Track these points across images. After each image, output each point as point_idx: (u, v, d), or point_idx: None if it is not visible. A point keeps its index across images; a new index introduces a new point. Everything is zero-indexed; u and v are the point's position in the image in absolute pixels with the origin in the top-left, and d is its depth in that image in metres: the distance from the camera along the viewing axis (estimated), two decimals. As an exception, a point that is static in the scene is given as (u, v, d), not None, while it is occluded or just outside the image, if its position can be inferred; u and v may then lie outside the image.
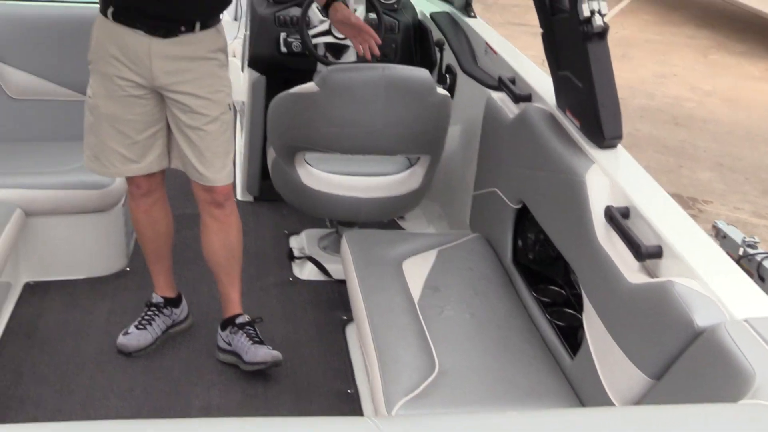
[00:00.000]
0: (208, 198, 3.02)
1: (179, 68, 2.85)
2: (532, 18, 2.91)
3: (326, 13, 3.21)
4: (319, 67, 4.05)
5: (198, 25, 2.84)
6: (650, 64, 9.25)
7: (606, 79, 2.59)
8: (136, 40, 2.80)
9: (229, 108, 2.98)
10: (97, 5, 2.97)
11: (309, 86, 3.17)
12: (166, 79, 2.84)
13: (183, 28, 2.81)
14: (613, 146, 2.65)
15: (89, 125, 2.96)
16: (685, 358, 1.86)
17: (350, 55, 4.01)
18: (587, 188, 2.46)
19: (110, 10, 2.80)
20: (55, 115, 3.85)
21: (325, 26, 3.91)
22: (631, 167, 2.57)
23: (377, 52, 3.13)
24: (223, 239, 3.11)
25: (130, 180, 3.08)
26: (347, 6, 3.21)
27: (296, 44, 4.03)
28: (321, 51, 4.00)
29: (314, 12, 3.99)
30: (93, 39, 2.88)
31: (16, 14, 3.80)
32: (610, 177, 2.48)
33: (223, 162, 2.97)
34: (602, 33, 2.58)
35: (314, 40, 3.92)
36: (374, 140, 3.21)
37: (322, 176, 3.44)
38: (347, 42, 3.93)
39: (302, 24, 3.89)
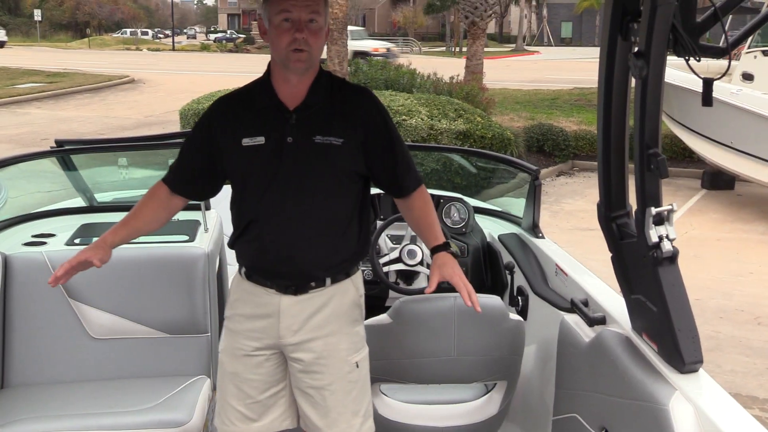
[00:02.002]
0: None
1: (306, 326, 2.82)
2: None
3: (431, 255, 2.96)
4: (392, 294, 4.10)
5: (328, 280, 2.83)
6: (724, 263, 9.14)
7: (680, 303, 2.57)
8: (268, 299, 2.82)
9: (357, 366, 2.88)
10: (169, 244, 3.10)
11: (382, 318, 3.20)
12: (291, 337, 2.82)
13: (313, 284, 2.81)
14: (694, 371, 2.59)
15: (219, 381, 2.97)
16: None
17: (421, 281, 4.07)
18: (671, 418, 2.38)
19: (243, 270, 2.88)
20: (134, 352, 3.93)
21: (395, 254, 4.00)
22: (716, 393, 2.49)
23: (478, 309, 2.81)
24: None
25: None
26: (455, 255, 2.94)
27: (367, 272, 4.11)
28: (392, 278, 4.07)
29: (384, 240, 4.10)
30: (231, 296, 2.95)
31: None
32: (695, 405, 2.40)
33: (348, 423, 2.84)
34: (672, 258, 2.58)
35: (385, 268, 4.00)
36: (449, 369, 3.20)
37: (399, 407, 3.41)
38: (418, 268, 4.00)
39: (373, 253, 3.98)
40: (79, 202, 4.81)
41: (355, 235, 2.85)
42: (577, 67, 35.71)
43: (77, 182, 4.69)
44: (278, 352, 2.87)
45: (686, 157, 14.30)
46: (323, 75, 2.80)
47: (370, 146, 2.79)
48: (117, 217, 4.48)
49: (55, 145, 4.37)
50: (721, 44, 2.35)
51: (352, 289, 2.90)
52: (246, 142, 2.73)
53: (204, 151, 2.83)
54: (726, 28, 2.25)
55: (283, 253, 2.76)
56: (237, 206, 2.84)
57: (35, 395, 3.66)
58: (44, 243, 4.08)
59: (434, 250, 2.88)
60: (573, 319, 3.26)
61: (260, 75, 2.82)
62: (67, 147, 4.42)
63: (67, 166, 4.62)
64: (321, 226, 2.77)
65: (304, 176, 2.73)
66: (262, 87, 2.78)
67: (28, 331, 3.83)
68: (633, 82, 2.58)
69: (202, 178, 2.90)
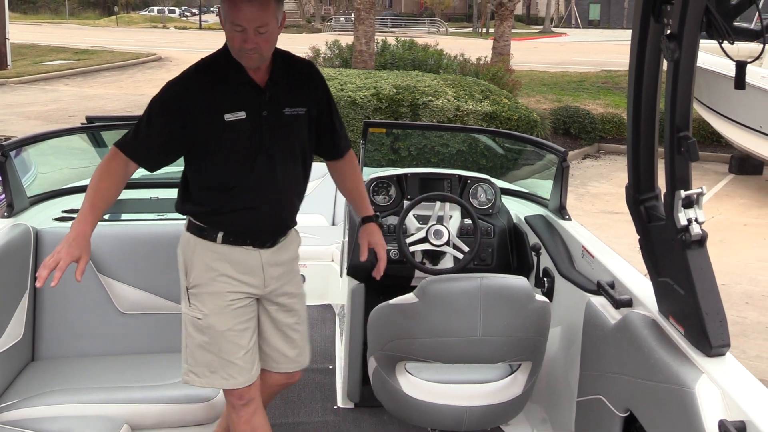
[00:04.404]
0: (285, 381, 3.35)
1: (282, 272, 3.15)
2: (625, 206, 2.94)
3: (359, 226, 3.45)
4: (417, 273, 4.11)
5: (290, 231, 3.18)
6: (751, 248, 9.09)
7: (708, 286, 2.56)
8: (247, 255, 3.05)
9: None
10: None
11: (408, 297, 3.21)
12: (274, 284, 3.11)
13: (282, 237, 3.14)
14: (721, 354, 2.58)
15: (202, 344, 3.05)
16: None
17: (447, 261, 4.07)
18: (697, 401, 2.39)
19: (219, 236, 3.01)
20: (161, 328, 3.98)
21: (421, 234, 4.00)
22: (742, 377, 2.49)
23: (377, 277, 3.36)
24: None
25: (230, 392, 3.12)
26: (380, 226, 3.46)
27: (394, 252, 4.12)
28: (418, 258, 4.08)
29: (411, 220, 4.10)
30: (195, 265, 3.05)
31: (126, 233, 4.02)
32: (721, 388, 2.40)
33: (307, 349, 3.34)
34: (701, 240, 2.57)
35: (412, 248, 4.00)
36: (475, 349, 3.20)
37: (424, 385, 3.42)
38: (444, 248, 4.00)
39: (399, 232, 4.00)
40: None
41: (305, 189, 3.23)
42: (604, 50, 35.42)
43: (107, 159, 4.73)
44: (255, 300, 3.13)
45: (714, 141, 14.20)
46: (277, 53, 3.03)
47: (318, 113, 3.13)
48: (145, 193, 4.55)
49: (85, 121, 4.41)
50: (753, 26, 2.33)
51: (296, 233, 3.28)
52: (228, 117, 2.91)
53: (176, 124, 2.91)
54: (760, 10, 2.24)
55: (275, 216, 3.07)
56: (213, 179, 2.99)
57: (65, 368, 3.72)
58: (74, 218, 4.11)
59: (365, 220, 3.38)
60: (599, 301, 3.26)
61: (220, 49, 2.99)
62: (97, 123, 4.45)
63: (98, 142, 4.66)
64: (294, 188, 3.13)
65: (280, 145, 3.00)
66: (232, 65, 2.93)
67: (58, 306, 3.89)
68: (664, 64, 2.56)
69: (167, 149, 2.99)
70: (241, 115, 2.92)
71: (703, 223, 2.58)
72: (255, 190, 2.99)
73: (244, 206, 2.99)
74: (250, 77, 2.95)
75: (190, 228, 3.07)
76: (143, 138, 2.94)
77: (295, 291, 3.22)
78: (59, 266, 2.70)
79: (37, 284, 2.67)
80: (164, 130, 2.92)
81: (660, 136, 2.71)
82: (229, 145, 2.95)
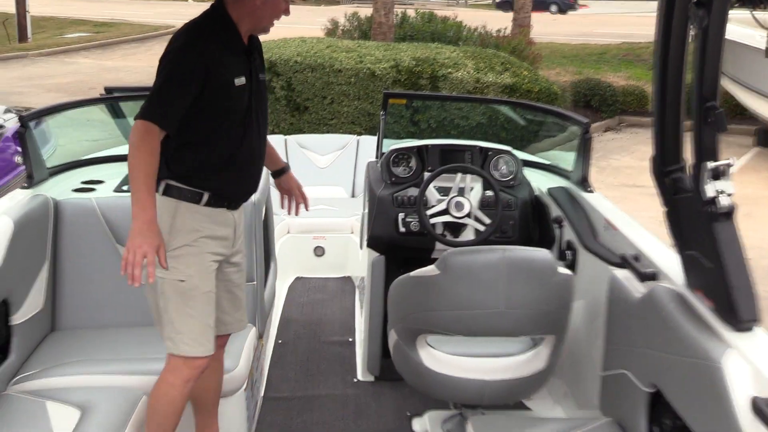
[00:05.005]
0: (223, 343, 3.41)
1: (241, 230, 3.30)
2: (647, 179, 2.87)
3: (277, 177, 3.68)
4: (438, 245, 4.07)
5: None
6: (776, 221, 8.98)
7: (736, 259, 2.50)
8: (224, 216, 3.12)
9: None
10: None
11: (429, 269, 3.17)
12: (238, 243, 3.23)
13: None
14: (749, 329, 2.53)
15: (185, 310, 3.02)
16: None
17: (468, 233, 4.03)
18: (725, 376, 2.33)
19: (205, 198, 3.03)
20: None
21: (442, 206, 3.96)
22: None
23: (297, 213, 3.70)
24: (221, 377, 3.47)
25: (193, 365, 3.08)
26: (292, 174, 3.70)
27: (414, 224, 4.08)
28: (439, 230, 4.04)
29: (432, 192, 4.06)
30: (178, 228, 3.01)
31: None
32: (752, 364, 2.35)
33: (245, 306, 3.44)
34: (729, 213, 2.51)
35: (432, 220, 3.96)
36: (497, 322, 3.16)
37: (445, 358, 3.39)
38: (465, 221, 3.96)
39: (420, 204, 3.95)
40: (127, 149, 4.82)
41: None
42: (626, 22, 35.02)
43: (125, 130, 4.71)
44: None
45: (738, 113, 13.99)
46: None
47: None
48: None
49: (104, 92, 4.38)
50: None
51: None
52: (237, 81, 2.97)
53: (197, 89, 2.90)
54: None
55: (254, 178, 3.23)
56: (210, 142, 3.00)
57: (85, 339, 3.71)
58: (93, 189, 4.10)
59: (283, 170, 3.63)
60: (623, 275, 3.20)
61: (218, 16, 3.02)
62: (116, 95, 4.42)
63: (116, 113, 4.63)
64: (264, 150, 3.28)
65: (259, 109, 3.14)
66: (229, 31, 3.00)
67: (77, 276, 3.87)
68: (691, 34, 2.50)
69: (186, 112, 2.94)
70: (243, 80, 3.00)
71: (731, 195, 2.51)
72: (243, 153, 3.07)
73: (234, 168, 3.07)
74: (244, 43, 3.05)
75: (169, 191, 3.02)
76: (171, 103, 2.89)
77: (243, 249, 3.37)
78: (149, 260, 2.77)
79: (135, 284, 2.76)
80: (188, 90, 2.89)
81: (686, 107, 2.64)
82: (232, 109, 3.01)
